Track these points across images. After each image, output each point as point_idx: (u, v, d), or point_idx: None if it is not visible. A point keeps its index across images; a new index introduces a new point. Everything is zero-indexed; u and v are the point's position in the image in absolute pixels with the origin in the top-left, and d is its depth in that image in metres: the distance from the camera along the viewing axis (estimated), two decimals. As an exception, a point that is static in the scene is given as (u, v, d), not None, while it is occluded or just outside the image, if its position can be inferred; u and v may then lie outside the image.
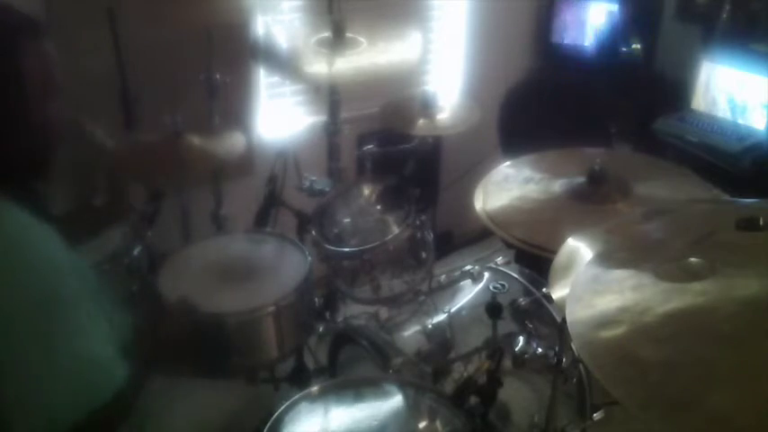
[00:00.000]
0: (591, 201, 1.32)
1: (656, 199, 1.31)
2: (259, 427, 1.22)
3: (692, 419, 0.65)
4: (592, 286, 0.85)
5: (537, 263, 1.60)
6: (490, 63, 2.92)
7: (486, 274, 1.84)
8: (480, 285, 1.81)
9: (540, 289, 1.70)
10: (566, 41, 2.98)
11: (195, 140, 1.84)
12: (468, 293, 1.81)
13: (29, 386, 0.92)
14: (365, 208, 2.00)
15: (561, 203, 1.34)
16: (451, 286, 1.87)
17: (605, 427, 1.50)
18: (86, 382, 0.96)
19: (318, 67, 1.82)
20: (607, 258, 0.92)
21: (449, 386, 1.48)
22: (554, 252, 1.14)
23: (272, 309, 1.56)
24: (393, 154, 2.11)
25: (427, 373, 1.57)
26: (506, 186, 1.41)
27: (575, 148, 1.50)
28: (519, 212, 1.33)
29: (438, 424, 1.25)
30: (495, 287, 1.62)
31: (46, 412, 0.93)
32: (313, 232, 1.88)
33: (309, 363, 2.02)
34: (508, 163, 1.51)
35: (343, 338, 1.77)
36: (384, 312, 1.88)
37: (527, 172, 1.45)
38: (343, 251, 1.87)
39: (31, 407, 0.93)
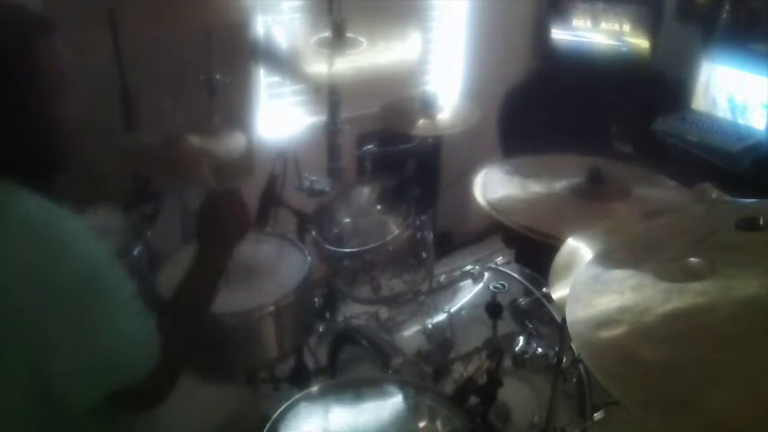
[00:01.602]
0: (591, 198, 1.32)
1: (656, 199, 1.31)
2: (258, 427, 1.22)
3: (692, 419, 0.65)
4: (592, 286, 0.85)
5: (537, 263, 1.60)
6: (490, 63, 2.92)
7: (486, 274, 1.84)
8: (480, 285, 1.82)
9: (540, 289, 1.70)
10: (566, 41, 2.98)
11: (195, 140, 1.84)
12: (468, 293, 1.82)
13: (79, 357, 0.96)
14: (365, 208, 2.00)
15: (562, 197, 1.34)
16: (451, 286, 1.87)
17: (605, 427, 1.50)
18: (130, 351, 1.01)
19: (318, 67, 1.82)
20: (607, 258, 0.92)
21: (449, 386, 1.48)
22: (553, 238, 1.14)
23: (271, 309, 1.56)
24: (393, 154, 2.11)
25: (427, 373, 1.57)
26: (507, 179, 1.41)
27: (573, 155, 1.50)
28: (519, 201, 1.33)
29: (438, 424, 1.25)
30: (495, 287, 1.62)
31: (95, 382, 0.98)
32: (313, 232, 1.88)
33: (309, 363, 2.02)
34: (507, 163, 1.51)
35: (343, 338, 1.77)
36: (384, 312, 1.88)
37: (527, 171, 1.45)
38: (343, 251, 1.87)
39: (83, 377, 0.97)
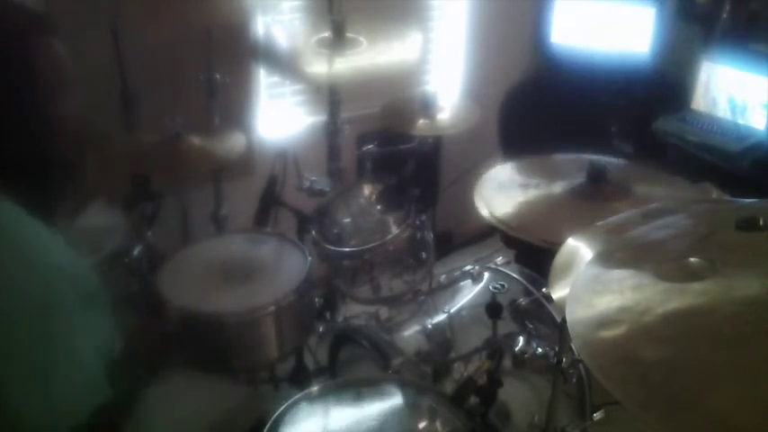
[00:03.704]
0: (591, 199, 1.32)
1: (656, 198, 1.31)
2: (259, 427, 1.22)
3: (692, 419, 0.65)
4: (592, 286, 0.85)
5: (537, 263, 1.60)
6: (490, 63, 2.92)
7: (486, 274, 1.84)
8: (480, 285, 1.81)
9: (540, 289, 1.70)
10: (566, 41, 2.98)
11: (195, 140, 1.84)
12: (468, 293, 1.81)
13: (29, 388, 0.92)
14: (365, 208, 2.00)
15: (562, 202, 1.34)
16: (451, 286, 1.87)
17: (605, 427, 1.50)
18: (86, 382, 0.96)
19: (318, 67, 1.82)
20: (607, 258, 0.92)
21: (449, 386, 1.48)
22: (554, 244, 1.14)
23: (272, 309, 1.56)
24: (393, 154, 2.11)
25: (427, 373, 1.57)
26: (506, 186, 1.41)
27: (573, 154, 1.50)
28: (520, 208, 1.34)
29: (438, 424, 1.24)
30: (495, 287, 1.62)
31: (49, 413, 0.92)
32: (313, 232, 1.88)
33: (309, 363, 2.02)
34: (506, 165, 1.52)
35: (343, 338, 1.77)
36: (384, 312, 1.88)
37: (526, 174, 1.45)
38: (343, 251, 1.87)
39: (33, 408, 0.92)
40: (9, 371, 0.90)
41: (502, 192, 1.39)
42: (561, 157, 1.50)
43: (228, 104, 2.17)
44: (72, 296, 0.97)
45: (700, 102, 2.65)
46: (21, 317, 0.91)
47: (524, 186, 1.39)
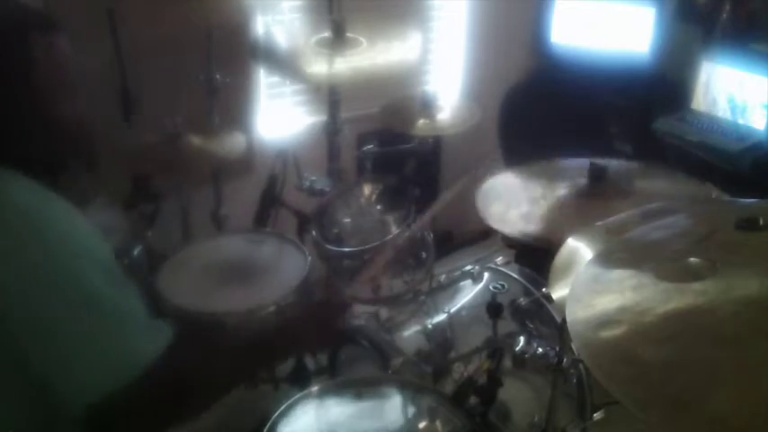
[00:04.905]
0: (593, 199, 1.32)
1: (657, 198, 1.31)
2: (258, 427, 1.22)
3: (692, 419, 0.65)
4: (592, 286, 0.85)
5: (537, 263, 1.60)
6: (490, 63, 2.92)
7: (486, 274, 1.84)
8: (480, 285, 1.81)
9: (540, 289, 1.70)
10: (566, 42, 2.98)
11: (195, 140, 1.84)
12: (468, 293, 1.81)
13: (77, 354, 0.93)
14: (365, 208, 2.00)
15: (564, 203, 1.34)
16: (451, 286, 1.87)
17: (605, 427, 1.50)
18: (124, 348, 0.96)
19: (318, 67, 1.82)
20: (607, 258, 0.92)
21: (449, 386, 1.48)
22: (555, 245, 1.14)
23: (272, 309, 1.56)
24: (393, 154, 2.11)
25: (427, 373, 1.57)
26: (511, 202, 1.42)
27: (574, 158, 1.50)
28: (521, 213, 1.34)
29: (438, 424, 1.25)
30: (495, 287, 1.62)
31: (86, 383, 0.93)
32: (313, 232, 1.88)
33: (309, 363, 2.02)
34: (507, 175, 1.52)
35: (344, 338, 1.77)
36: (384, 312, 1.87)
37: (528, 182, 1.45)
38: (343, 251, 1.86)
39: (72, 376, 0.93)
40: (49, 346, 0.92)
41: (508, 208, 1.39)
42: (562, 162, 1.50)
43: (228, 104, 2.17)
44: (99, 266, 0.98)
45: (700, 102, 2.65)
46: (42, 291, 0.92)
47: (529, 199, 1.39)
